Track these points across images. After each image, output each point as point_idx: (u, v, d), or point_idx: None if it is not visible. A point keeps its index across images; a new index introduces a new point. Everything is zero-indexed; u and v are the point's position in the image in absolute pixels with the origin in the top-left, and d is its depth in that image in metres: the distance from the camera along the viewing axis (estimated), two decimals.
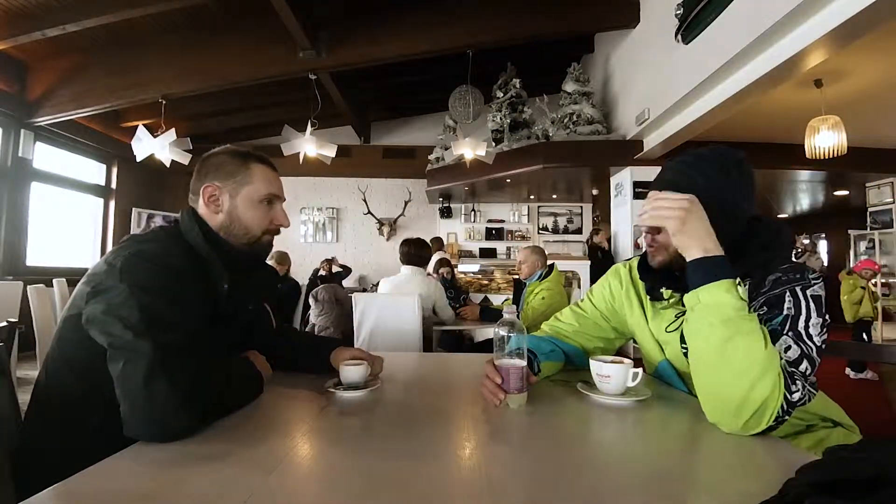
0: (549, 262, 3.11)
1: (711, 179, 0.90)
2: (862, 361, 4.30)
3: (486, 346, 3.22)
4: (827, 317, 0.84)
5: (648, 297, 1.07)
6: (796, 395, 0.76)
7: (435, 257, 4.28)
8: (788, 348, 0.80)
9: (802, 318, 0.82)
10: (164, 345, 0.76)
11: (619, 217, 5.56)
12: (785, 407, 0.74)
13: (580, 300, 1.27)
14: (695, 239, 0.82)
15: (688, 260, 0.83)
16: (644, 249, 1.05)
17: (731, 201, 0.90)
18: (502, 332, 0.93)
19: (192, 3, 4.05)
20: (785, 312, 0.82)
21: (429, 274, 3.53)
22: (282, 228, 1.07)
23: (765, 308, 0.85)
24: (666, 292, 1.01)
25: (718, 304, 0.78)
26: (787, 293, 0.84)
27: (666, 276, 1.01)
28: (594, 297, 1.22)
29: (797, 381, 0.77)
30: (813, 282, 0.85)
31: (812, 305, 0.82)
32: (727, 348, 0.76)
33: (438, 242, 5.73)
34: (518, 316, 0.95)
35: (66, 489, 0.57)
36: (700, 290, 0.80)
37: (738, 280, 0.80)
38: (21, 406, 0.90)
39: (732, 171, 0.92)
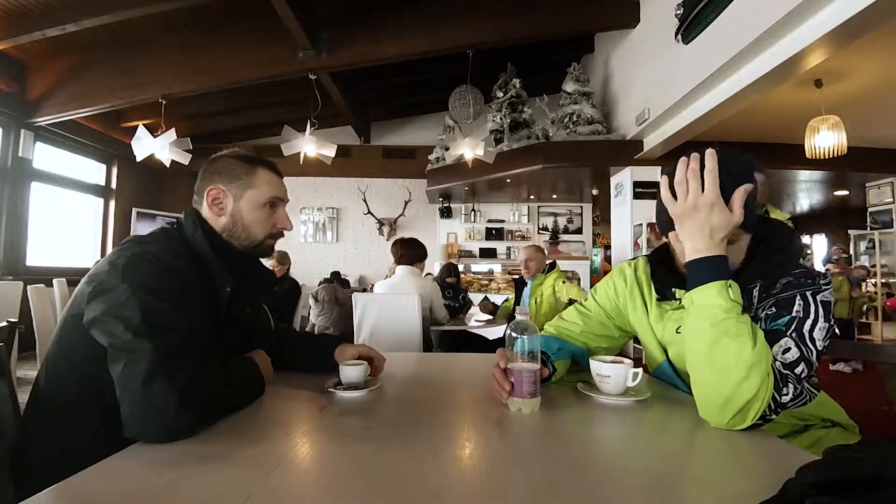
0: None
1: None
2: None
3: (496, 344, 3.21)
4: (833, 322, 0.85)
5: (658, 297, 1.06)
6: (786, 398, 0.78)
7: (438, 264, 4.26)
8: (788, 350, 0.81)
9: (809, 321, 0.83)
10: (164, 345, 0.76)
11: (619, 217, 5.55)
12: (772, 406, 0.77)
13: (584, 300, 1.27)
14: (696, 235, 0.82)
15: (686, 259, 0.85)
16: (643, 250, 1.05)
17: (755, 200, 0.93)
18: (515, 334, 0.89)
19: (193, 2, 4.05)
20: (793, 314, 0.84)
21: (427, 274, 3.52)
22: (284, 231, 1.08)
23: (773, 309, 0.86)
24: (679, 292, 0.99)
25: (709, 306, 0.80)
26: (798, 296, 0.85)
27: (682, 277, 1.00)
28: (598, 297, 1.22)
29: (789, 384, 0.79)
30: (824, 287, 0.86)
31: (821, 311, 0.84)
32: (715, 350, 0.78)
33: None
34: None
35: (66, 489, 0.56)
36: (693, 291, 0.83)
37: (729, 282, 0.80)
38: (21, 406, 0.90)
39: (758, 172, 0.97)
